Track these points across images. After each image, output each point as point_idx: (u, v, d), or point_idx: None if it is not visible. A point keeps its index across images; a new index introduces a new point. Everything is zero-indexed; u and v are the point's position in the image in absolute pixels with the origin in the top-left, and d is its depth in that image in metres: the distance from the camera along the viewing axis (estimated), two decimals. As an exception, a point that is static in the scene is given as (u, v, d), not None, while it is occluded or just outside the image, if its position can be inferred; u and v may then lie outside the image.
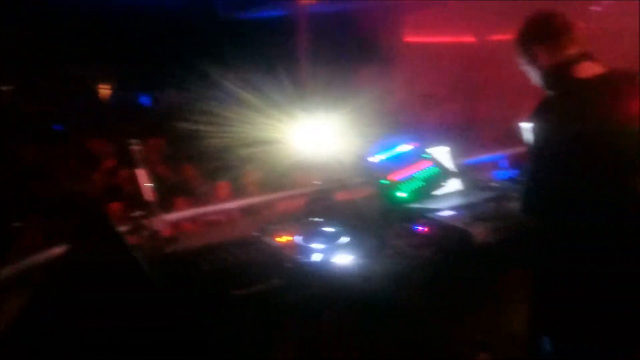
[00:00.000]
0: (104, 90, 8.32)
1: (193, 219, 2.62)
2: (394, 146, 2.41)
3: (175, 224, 2.45)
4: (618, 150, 1.92)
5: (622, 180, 1.93)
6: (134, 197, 2.33)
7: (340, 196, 2.86)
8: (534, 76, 2.15)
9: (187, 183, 4.28)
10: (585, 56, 2.02)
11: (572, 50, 2.03)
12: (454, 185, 2.63)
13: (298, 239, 2.16)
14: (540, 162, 2.02)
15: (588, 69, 1.99)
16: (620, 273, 1.98)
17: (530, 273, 2.70)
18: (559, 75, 2.03)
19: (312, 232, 2.21)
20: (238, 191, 4.04)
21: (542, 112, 1.98)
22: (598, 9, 6.77)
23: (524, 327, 2.80)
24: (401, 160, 2.35)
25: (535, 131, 2.00)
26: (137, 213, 2.21)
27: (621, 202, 1.94)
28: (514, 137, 3.04)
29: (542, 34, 2.08)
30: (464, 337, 2.71)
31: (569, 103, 1.96)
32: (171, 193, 3.74)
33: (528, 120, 2.03)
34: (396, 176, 2.25)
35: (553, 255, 2.12)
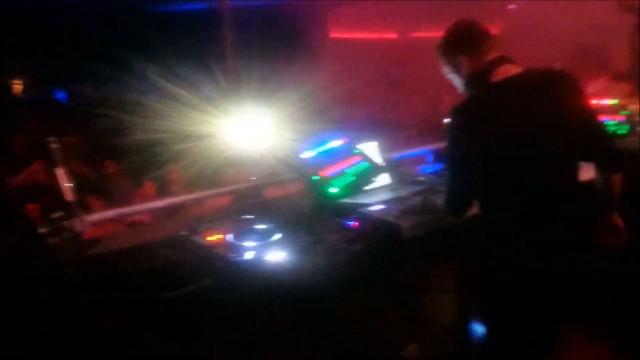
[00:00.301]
0: (16, 86, 7.86)
1: (117, 219, 2.51)
2: (324, 142, 2.41)
3: (98, 225, 2.34)
4: (528, 147, 1.97)
5: (532, 173, 2.00)
6: (53, 198, 2.21)
7: (271, 193, 2.84)
8: (458, 84, 2.22)
9: (109, 182, 4.11)
10: (503, 60, 2.09)
11: (492, 56, 2.09)
12: (383, 180, 2.66)
13: (229, 237, 2.12)
14: (455, 164, 2.09)
15: (505, 72, 2.06)
16: (542, 261, 2.06)
17: (457, 263, 2.80)
18: (477, 81, 2.10)
19: (244, 230, 2.17)
20: (166, 189, 3.92)
21: (454, 116, 2.03)
22: (514, 7, 7.10)
23: (452, 316, 2.89)
24: (332, 156, 2.35)
25: (449, 135, 2.06)
26: (57, 214, 2.10)
27: (533, 194, 2.01)
28: (438, 132, 3.13)
29: (463, 44, 2.13)
30: (395, 329, 2.76)
31: (479, 105, 2.02)
32: (93, 192, 3.58)
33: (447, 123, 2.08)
34: (327, 172, 2.25)
35: (477, 246, 2.18)
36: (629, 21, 3.02)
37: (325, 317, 2.35)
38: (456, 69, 2.17)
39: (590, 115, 2.12)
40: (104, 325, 1.71)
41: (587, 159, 2.11)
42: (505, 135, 1.96)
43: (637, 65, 2.99)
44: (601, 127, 2.19)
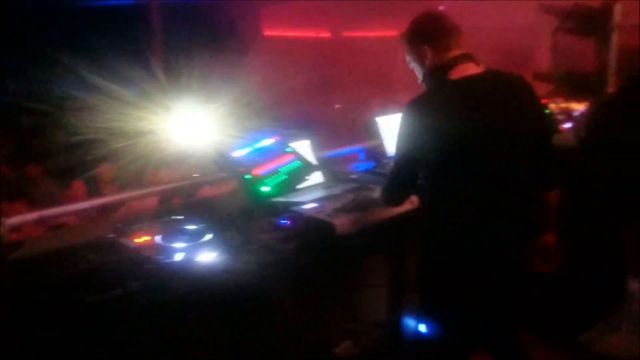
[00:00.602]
0: None
1: (40, 222, 2.40)
2: (256, 141, 2.39)
3: (20, 228, 2.23)
4: (482, 147, 1.98)
5: (485, 173, 2.00)
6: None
7: (203, 192, 2.80)
8: (418, 72, 2.20)
9: (32, 183, 3.93)
10: (467, 57, 2.08)
11: (456, 52, 2.08)
12: (316, 178, 2.67)
13: (158, 238, 2.07)
14: (402, 155, 2.10)
15: (465, 70, 2.05)
16: (475, 255, 2.07)
17: (389, 259, 2.85)
18: (436, 75, 2.09)
19: (173, 231, 2.12)
20: (93, 190, 3.79)
21: (410, 109, 2.04)
22: (443, 8, 7.30)
23: (385, 311, 2.94)
24: (264, 155, 2.33)
25: (401, 127, 2.06)
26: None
27: (484, 193, 2.02)
28: (370, 130, 3.17)
29: (430, 33, 2.10)
30: (329, 326, 2.78)
31: (433, 101, 2.02)
32: (14, 194, 3.42)
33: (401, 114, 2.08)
34: (259, 171, 2.23)
35: (426, 240, 2.19)
36: (550, 22, 3.15)
37: (258, 317, 2.33)
38: (419, 58, 2.14)
39: (544, 126, 2.15)
40: (26, 331, 1.64)
41: (532, 170, 2.10)
42: (460, 133, 1.95)
43: (558, 65, 3.12)
44: (551, 140, 2.21)
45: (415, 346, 2.84)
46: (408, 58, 2.22)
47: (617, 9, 3.02)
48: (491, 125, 1.97)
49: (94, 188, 3.75)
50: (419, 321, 2.83)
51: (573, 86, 3.06)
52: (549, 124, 2.16)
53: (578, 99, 3.41)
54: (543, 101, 2.75)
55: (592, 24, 3.00)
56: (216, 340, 2.25)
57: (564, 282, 2.12)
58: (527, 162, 2.06)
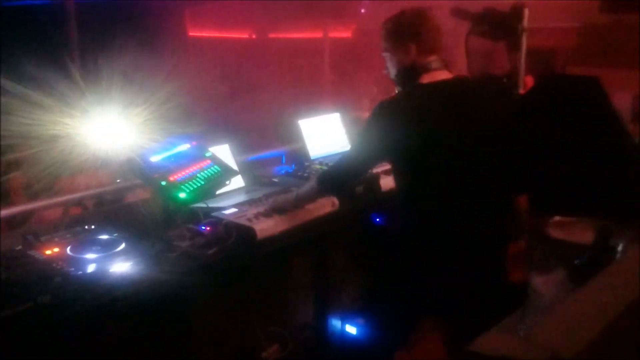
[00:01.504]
0: None
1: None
2: (173, 145, 2.33)
3: None
4: (451, 152, 2.03)
5: (453, 176, 2.06)
6: None
7: (117, 200, 2.71)
8: (391, 66, 2.19)
9: None
10: (442, 63, 2.11)
11: (434, 57, 2.10)
12: (236, 182, 2.64)
13: (68, 249, 1.99)
14: (361, 150, 2.14)
15: (436, 75, 2.09)
16: (441, 255, 2.11)
17: (313, 260, 2.86)
18: (410, 77, 2.11)
19: (85, 241, 2.04)
20: (5, 199, 3.60)
21: (380, 109, 2.06)
22: (363, 10, 7.40)
23: (311, 313, 2.95)
24: (181, 160, 2.28)
25: (368, 123, 2.09)
26: None
27: (452, 195, 2.06)
28: (290, 133, 3.18)
29: (422, 34, 2.10)
30: (255, 331, 2.76)
31: (406, 104, 2.05)
32: None
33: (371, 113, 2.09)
34: (176, 176, 2.18)
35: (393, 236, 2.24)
36: (464, 26, 3.25)
37: (180, 326, 2.29)
38: (401, 54, 2.13)
39: (513, 132, 2.20)
40: None
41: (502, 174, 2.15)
42: (431, 137, 1.99)
43: (472, 68, 3.22)
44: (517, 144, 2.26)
45: (343, 347, 2.87)
46: (386, 46, 2.18)
47: (526, 12, 3.15)
48: (460, 130, 2.03)
49: (2, 197, 3.56)
50: (347, 322, 2.87)
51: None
52: (514, 124, 2.26)
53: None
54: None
55: (502, 28, 3.11)
56: (136, 352, 2.19)
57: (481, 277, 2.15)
58: (498, 166, 2.12)
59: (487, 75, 3.21)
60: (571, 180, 2.53)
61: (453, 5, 3.25)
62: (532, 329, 0.84)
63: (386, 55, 2.21)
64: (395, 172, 2.17)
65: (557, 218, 1.60)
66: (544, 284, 1.43)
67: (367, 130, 2.12)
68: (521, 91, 3.22)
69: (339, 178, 2.27)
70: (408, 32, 2.12)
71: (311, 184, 2.32)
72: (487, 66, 3.27)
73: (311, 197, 2.38)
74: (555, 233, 1.55)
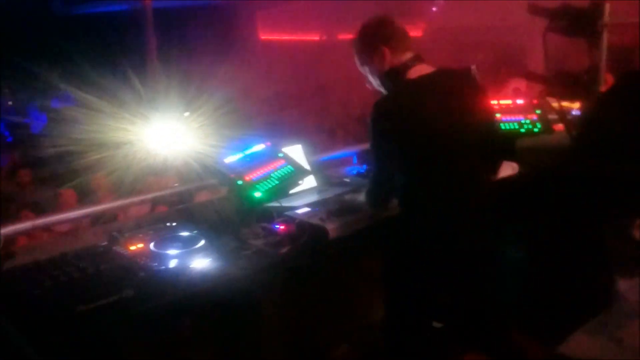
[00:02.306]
0: None
1: (32, 231, 2.40)
2: (248, 146, 2.39)
3: (12, 238, 2.23)
4: (445, 142, 2.08)
5: (448, 167, 2.11)
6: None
7: (195, 199, 2.80)
8: (372, 76, 2.25)
9: (24, 192, 3.92)
10: (418, 59, 2.17)
11: (409, 55, 2.17)
12: (309, 182, 2.68)
13: (151, 245, 2.07)
14: (376, 158, 2.17)
15: (419, 70, 2.14)
16: (465, 259, 2.15)
17: (382, 262, 2.85)
18: (394, 77, 2.16)
19: (167, 238, 2.13)
20: (86, 198, 3.79)
21: (375, 112, 2.09)
22: (436, 9, 7.30)
23: (381, 314, 2.94)
24: (256, 160, 2.34)
25: (371, 130, 2.12)
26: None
27: (449, 186, 2.11)
28: (363, 133, 3.18)
29: (389, 36, 2.17)
30: (325, 330, 2.78)
31: (397, 102, 2.08)
32: (6, 203, 3.42)
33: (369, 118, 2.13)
34: (251, 176, 2.24)
35: (401, 244, 2.23)
36: (543, 22, 3.15)
37: (253, 322, 2.34)
38: (377, 60, 2.18)
39: (488, 115, 2.28)
40: (20, 342, 1.64)
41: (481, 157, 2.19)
42: (425, 127, 2.04)
43: (549, 65, 3.13)
44: (494, 128, 2.35)
45: (412, 348, 2.85)
46: (360, 61, 2.26)
47: (607, 7, 3.02)
48: (449, 118, 2.06)
49: (87, 195, 3.75)
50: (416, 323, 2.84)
51: (564, 86, 3.06)
52: (492, 113, 2.38)
53: (570, 99, 3.42)
54: (534, 102, 2.78)
55: (581, 24, 3.00)
56: (211, 346, 2.26)
57: (550, 282, 2.14)
58: (479, 149, 2.15)
59: (562, 73, 3.10)
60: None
61: (530, 2, 3.16)
62: (620, 332, 0.81)
63: (364, 69, 2.27)
64: (397, 166, 2.16)
65: (642, 220, 1.53)
66: (630, 288, 1.37)
67: (372, 137, 2.15)
68: (602, 89, 3.09)
69: (378, 197, 2.32)
70: (376, 37, 2.18)
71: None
72: (565, 63, 3.16)
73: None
74: (641, 235, 1.48)
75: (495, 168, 2.35)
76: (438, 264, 2.13)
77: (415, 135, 2.03)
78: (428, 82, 2.12)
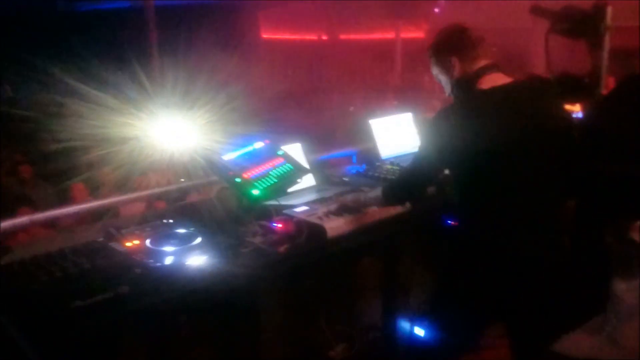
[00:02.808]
0: None
1: (29, 226, 2.39)
2: (247, 144, 2.38)
3: (7, 233, 2.23)
4: (514, 157, 2.03)
5: (519, 182, 2.06)
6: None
7: (193, 196, 2.79)
8: (445, 84, 2.24)
9: (23, 187, 3.92)
10: (493, 68, 2.13)
11: (482, 63, 2.13)
12: (308, 181, 2.67)
13: (148, 242, 2.07)
14: (424, 159, 2.14)
15: (494, 80, 2.10)
16: (506, 258, 2.09)
17: (382, 261, 2.84)
18: (465, 87, 2.14)
19: (164, 235, 2.12)
20: (96, 192, 3.78)
21: (442, 117, 2.07)
22: (438, 10, 7.30)
23: (380, 314, 2.93)
24: (255, 158, 2.33)
25: (430, 131, 2.12)
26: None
27: (518, 202, 2.06)
28: (362, 133, 3.18)
29: (457, 44, 2.15)
30: (323, 329, 2.78)
31: (465, 112, 2.05)
32: (4, 198, 3.42)
33: (429, 122, 2.14)
34: (250, 174, 2.23)
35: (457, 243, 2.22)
36: (546, 24, 3.14)
37: (250, 321, 2.33)
38: (446, 69, 2.18)
39: (570, 132, 2.22)
40: (16, 336, 1.64)
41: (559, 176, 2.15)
42: (490, 142, 1.99)
43: (552, 67, 3.11)
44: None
45: (411, 349, 2.84)
46: (435, 71, 2.26)
47: (609, 10, 3.01)
48: (520, 134, 2.02)
49: (94, 190, 3.74)
50: (415, 324, 2.84)
51: (566, 88, 3.05)
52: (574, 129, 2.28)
53: (572, 102, 3.41)
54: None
55: (584, 26, 2.99)
56: (208, 344, 2.25)
57: (549, 283, 2.12)
58: (556, 168, 2.11)
59: (564, 75, 3.08)
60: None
61: (532, 3, 3.15)
62: (616, 332, 0.80)
63: (438, 77, 2.26)
64: (456, 178, 2.15)
65: (641, 222, 1.52)
66: (628, 290, 1.36)
67: (427, 140, 2.15)
68: (603, 92, 3.08)
69: (403, 191, 2.31)
70: (447, 47, 2.18)
71: (378, 196, 2.34)
72: (568, 65, 3.15)
73: (379, 205, 2.41)
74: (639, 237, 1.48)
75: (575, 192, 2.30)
76: (490, 273, 2.09)
77: (476, 146, 1.98)
78: (500, 94, 2.07)
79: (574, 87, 3.05)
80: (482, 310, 2.16)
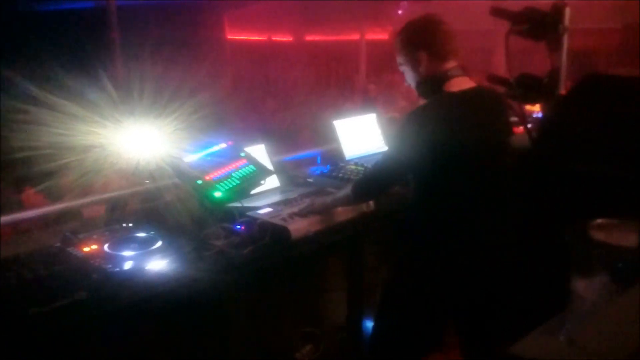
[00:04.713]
0: None
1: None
2: (209, 145, 2.35)
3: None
4: (475, 159, 2.06)
5: (479, 182, 2.11)
6: None
7: (154, 199, 2.74)
8: (410, 78, 2.20)
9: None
10: (461, 70, 2.11)
11: (452, 64, 2.10)
12: (272, 182, 2.65)
13: (106, 247, 2.02)
14: (393, 158, 2.14)
15: (460, 84, 2.09)
16: (422, 259, 2.16)
17: (348, 261, 2.84)
18: (432, 86, 2.11)
19: (123, 239, 2.08)
20: (58, 198, 3.68)
21: (412, 118, 2.06)
22: (400, 12, 7.36)
23: (346, 314, 2.93)
24: (217, 160, 2.30)
25: (400, 131, 2.10)
26: None
27: (476, 202, 2.11)
28: (326, 134, 3.17)
29: (430, 41, 2.09)
30: (289, 331, 2.76)
31: (435, 115, 2.04)
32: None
33: (401, 122, 2.14)
34: (212, 176, 2.20)
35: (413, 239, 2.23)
36: (505, 26, 3.18)
37: (215, 325, 2.30)
38: (413, 63, 2.12)
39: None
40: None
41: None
42: (459, 145, 2.00)
43: (512, 68, 3.15)
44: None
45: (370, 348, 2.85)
46: (400, 60, 2.19)
47: (567, 12, 3.06)
48: (484, 138, 2.07)
49: (56, 197, 3.64)
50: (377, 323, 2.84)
51: (526, 89, 3.09)
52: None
53: (531, 102, 3.46)
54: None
55: (543, 27, 3.03)
56: (170, 349, 2.21)
57: (509, 283, 2.16)
58: (507, 172, 2.19)
59: (524, 76, 3.13)
60: (614, 181, 2.45)
61: (493, 4, 3.19)
62: (575, 333, 0.81)
63: (403, 68, 2.21)
64: (416, 177, 2.15)
65: (600, 220, 1.55)
66: (586, 287, 1.38)
67: (397, 140, 2.14)
68: (562, 92, 3.14)
69: (373, 188, 2.27)
70: (416, 41, 2.11)
71: (346, 193, 2.31)
72: (527, 66, 3.19)
73: (347, 205, 2.39)
74: (598, 235, 1.50)
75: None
76: (449, 271, 2.12)
77: (446, 148, 1.99)
78: (469, 98, 2.08)
79: (534, 88, 3.10)
80: (434, 310, 2.19)
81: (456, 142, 2.00)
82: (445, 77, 2.08)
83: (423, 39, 2.10)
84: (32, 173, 3.74)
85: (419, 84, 2.16)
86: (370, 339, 2.43)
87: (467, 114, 2.06)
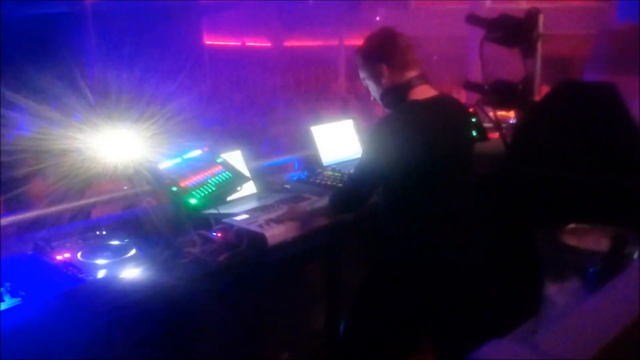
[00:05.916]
0: None
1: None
2: (184, 152, 2.33)
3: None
4: (444, 164, 2.11)
5: (444, 187, 2.15)
6: None
7: (128, 206, 2.71)
8: (374, 91, 2.25)
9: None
10: (422, 79, 2.16)
11: (412, 73, 2.15)
12: (248, 189, 2.64)
13: (79, 255, 1.99)
14: (366, 169, 2.16)
15: (423, 92, 2.14)
16: (392, 265, 2.20)
17: (325, 268, 2.84)
18: (396, 96, 2.15)
19: (96, 247, 2.05)
20: (23, 205, 3.62)
21: (380, 127, 2.10)
22: (378, 18, 7.43)
23: (323, 321, 2.92)
24: (192, 166, 2.28)
25: (369, 142, 2.13)
26: None
27: (442, 205, 2.16)
28: (303, 140, 3.17)
29: (389, 53, 2.14)
30: (266, 339, 2.75)
31: (401, 123, 2.08)
32: None
33: (369, 132, 2.16)
34: (187, 182, 2.18)
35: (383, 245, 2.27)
36: (480, 33, 3.22)
37: (191, 333, 2.28)
38: (375, 76, 2.18)
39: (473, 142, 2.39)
40: None
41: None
42: (424, 152, 2.04)
43: (486, 75, 3.19)
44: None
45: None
46: (362, 75, 2.25)
47: (541, 18, 3.11)
48: (451, 144, 2.12)
49: (26, 204, 3.58)
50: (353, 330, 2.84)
51: (500, 95, 3.14)
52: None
53: (505, 108, 3.51)
54: (471, 110, 2.85)
55: (517, 34, 3.08)
56: (145, 358, 2.18)
57: (480, 288, 2.18)
58: (469, 175, 2.24)
59: (499, 82, 3.17)
60: (586, 186, 2.49)
61: (468, 11, 3.23)
62: (543, 338, 0.81)
63: (366, 81, 2.26)
64: (385, 185, 2.18)
65: (571, 225, 1.57)
66: (558, 292, 1.40)
67: (368, 148, 2.16)
68: (536, 98, 3.18)
69: (352, 202, 2.28)
70: (376, 54, 2.17)
71: (326, 206, 2.33)
72: (502, 73, 3.24)
73: (327, 215, 2.40)
74: (570, 240, 1.52)
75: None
76: (419, 280, 2.15)
77: (412, 155, 2.03)
78: (434, 105, 2.13)
79: (508, 94, 3.14)
80: (406, 316, 2.22)
81: (425, 148, 2.05)
82: (408, 86, 2.14)
83: (382, 52, 2.16)
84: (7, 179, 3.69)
85: (383, 96, 2.21)
86: (341, 344, 2.44)
87: (434, 120, 2.11)
